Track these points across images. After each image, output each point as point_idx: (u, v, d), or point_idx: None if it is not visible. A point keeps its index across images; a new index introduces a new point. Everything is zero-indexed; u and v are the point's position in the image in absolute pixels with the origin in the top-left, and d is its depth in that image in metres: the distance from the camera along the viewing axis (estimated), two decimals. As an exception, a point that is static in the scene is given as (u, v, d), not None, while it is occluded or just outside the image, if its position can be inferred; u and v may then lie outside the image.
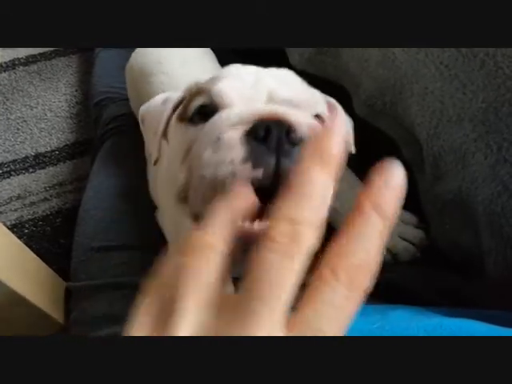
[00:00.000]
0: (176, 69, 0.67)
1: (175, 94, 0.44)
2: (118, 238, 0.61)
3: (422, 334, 0.33)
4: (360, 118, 0.65)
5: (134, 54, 0.76)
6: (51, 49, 1.27)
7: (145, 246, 0.59)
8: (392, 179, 0.21)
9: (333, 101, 0.47)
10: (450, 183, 0.49)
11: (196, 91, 0.39)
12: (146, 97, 0.70)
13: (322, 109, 0.39)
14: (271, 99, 0.35)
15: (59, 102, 1.16)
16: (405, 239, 0.56)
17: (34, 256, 0.59)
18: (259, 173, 0.30)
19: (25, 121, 1.13)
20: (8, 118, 1.15)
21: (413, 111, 0.52)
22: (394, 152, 0.60)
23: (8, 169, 1.04)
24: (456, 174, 0.48)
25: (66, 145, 1.07)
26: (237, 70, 0.39)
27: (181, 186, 0.36)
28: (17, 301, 0.48)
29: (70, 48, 1.26)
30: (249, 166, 0.30)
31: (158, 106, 0.44)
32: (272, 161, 0.30)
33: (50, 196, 0.98)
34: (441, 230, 0.53)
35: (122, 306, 0.54)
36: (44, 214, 0.95)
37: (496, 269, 0.45)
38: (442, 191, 0.51)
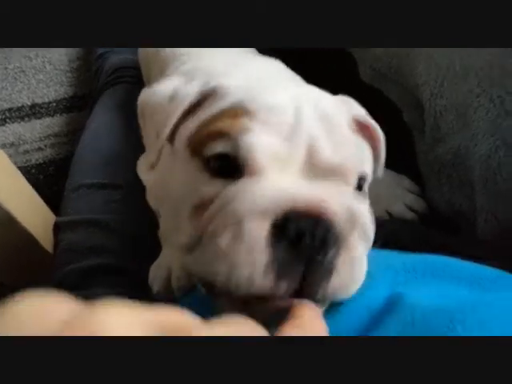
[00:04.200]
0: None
1: (184, 90, 0.35)
2: (111, 176, 0.61)
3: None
4: (363, 88, 0.65)
5: None
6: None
7: (135, 186, 0.59)
8: None
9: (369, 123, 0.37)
10: (450, 143, 0.50)
11: (215, 132, 0.30)
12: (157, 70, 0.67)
13: (367, 165, 0.33)
14: (310, 163, 0.28)
15: (59, 55, 1.14)
16: (410, 208, 0.57)
17: (29, 185, 0.59)
18: (282, 287, 0.25)
19: (23, 71, 1.12)
20: (6, 68, 1.13)
21: (419, 71, 0.52)
22: (396, 116, 0.61)
23: (3, 116, 1.02)
24: (456, 133, 0.49)
25: (64, 98, 1.06)
26: (272, 97, 0.30)
27: (186, 243, 0.30)
28: (8, 221, 0.48)
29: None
30: (271, 276, 0.25)
31: (163, 101, 0.35)
32: (299, 272, 0.25)
33: (44, 146, 0.97)
34: (437, 191, 0.54)
35: (108, 240, 0.54)
36: (37, 162, 0.94)
37: (486, 226, 0.46)
38: (441, 152, 0.52)
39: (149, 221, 0.55)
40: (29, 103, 1.05)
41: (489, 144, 0.43)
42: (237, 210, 0.26)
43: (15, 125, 1.01)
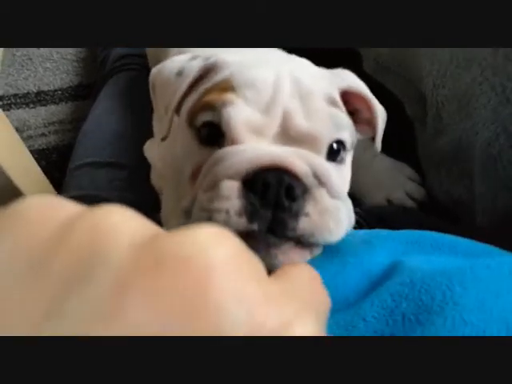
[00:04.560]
0: None
1: (190, 65, 0.39)
2: (115, 156, 0.62)
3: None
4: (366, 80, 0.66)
5: None
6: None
7: (137, 166, 0.60)
8: None
9: (364, 93, 0.39)
10: (451, 134, 0.50)
11: (205, 104, 0.34)
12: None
13: (344, 133, 0.35)
14: (284, 131, 0.33)
15: (67, 45, 1.15)
16: (410, 196, 0.57)
17: (34, 161, 0.60)
18: (254, 226, 0.29)
19: (30, 59, 1.12)
20: (13, 54, 1.14)
21: (422, 63, 0.53)
22: (397, 108, 0.61)
23: (8, 102, 1.03)
24: (457, 124, 0.49)
25: (70, 86, 1.06)
26: (255, 74, 0.34)
27: (185, 206, 0.34)
28: (11, 192, 0.48)
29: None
30: (243, 219, 0.29)
31: (171, 76, 0.39)
32: (268, 215, 0.29)
33: (48, 132, 0.97)
34: (436, 182, 0.55)
35: None
36: (40, 148, 0.94)
37: (485, 214, 0.46)
38: (442, 143, 0.52)
39: (151, 202, 0.55)
40: (35, 90, 1.05)
41: (489, 132, 0.44)
42: (215, 174, 0.31)
43: (20, 110, 1.01)
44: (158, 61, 0.71)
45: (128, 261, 0.12)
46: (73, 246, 0.12)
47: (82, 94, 1.05)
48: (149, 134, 0.63)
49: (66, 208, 0.14)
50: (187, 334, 0.11)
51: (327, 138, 0.33)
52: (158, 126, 0.50)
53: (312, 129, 0.33)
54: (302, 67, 0.38)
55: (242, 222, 0.29)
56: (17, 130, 0.97)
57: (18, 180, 0.48)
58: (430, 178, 0.56)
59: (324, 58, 0.82)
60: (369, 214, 0.52)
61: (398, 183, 0.57)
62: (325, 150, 0.34)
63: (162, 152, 0.49)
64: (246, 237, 0.28)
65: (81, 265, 0.12)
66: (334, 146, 0.34)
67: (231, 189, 0.30)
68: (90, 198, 0.56)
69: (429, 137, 0.55)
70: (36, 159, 0.93)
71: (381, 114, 0.40)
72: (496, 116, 0.43)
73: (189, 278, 0.12)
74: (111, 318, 0.11)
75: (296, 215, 0.30)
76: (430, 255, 0.30)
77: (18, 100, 1.03)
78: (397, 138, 0.66)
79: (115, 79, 0.79)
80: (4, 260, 0.12)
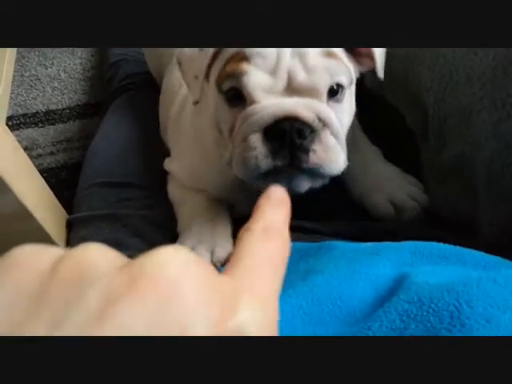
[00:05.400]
0: None
1: None
2: (122, 176, 0.63)
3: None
4: (368, 94, 0.67)
5: None
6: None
7: (146, 186, 0.61)
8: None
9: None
10: (453, 148, 0.51)
11: (227, 73, 0.43)
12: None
13: (340, 78, 0.43)
14: (290, 86, 0.41)
15: (74, 64, 1.18)
16: (413, 199, 0.58)
17: (43, 181, 0.61)
18: (278, 163, 0.40)
19: (38, 79, 1.15)
20: (22, 75, 1.16)
21: (422, 76, 0.54)
22: (399, 123, 0.62)
23: (18, 121, 1.05)
24: (459, 138, 0.49)
25: (78, 105, 1.09)
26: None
27: (226, 158, 0.45)
28: (23, 215, 0.49)
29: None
30: (269, 159, 0.40)
31: (195, 52, 0.47)
32: (286, 153, 0.40)
33: (57, 150, 0.99)
34: (440, 196, 0.55)
35: (122, 234, 0.56)
36: (49, 166, 0.96)
37: (487, 227, 0.47)
38: (444, 157, 0.53)
39: (164, 218, 0.57)
40: (43, 109, 1.08)
41: (491, 147, 0.44)
42: (243, 131, 0.41)
43: (29, 130, 1.03)
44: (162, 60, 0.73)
45: (108, 282, 0.15)
46: (63, 279, 0.15)
47: (89, 112, 1.07)
48: (157, 150, 0.65)
49: (51, 252, 0.17)
50: (162, 331, 0.14)
51: (325, 86, 0.42)
52: (188, 95, 0.57)
53: (312, 82, 0.41)
54: None
55: (269, 162, 0.40)
56: (26, 149, 0.99)
57: (27, 200, 0.49)
58: (433, 190, 0.56)
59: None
60: (375, 228, 0.53)
61: (400, 185, 0.57)
62: (325, 95, 0.42)
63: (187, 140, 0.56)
64: (273, 173, 0.41)
65: (72, 292, 0.15)
66: (334, 87, 0.43)
67: (257, 140, 0.40)
68: (100, 218, 0.57)
69: (431, 150, 0.55)
70: (45, 178, 0.94)
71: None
72: (497, 131, 0.43)
73: (155, 289, 0.15)
74: (104, 323, 0.14)
75: (307, 151, 0.40)
76: (437, 265, 0.31)
77: (28, 120, 1.05)
78: (399, 150, 0.66)
79: (122, 98, 0.81)
80: (11, 298, 0.15)
